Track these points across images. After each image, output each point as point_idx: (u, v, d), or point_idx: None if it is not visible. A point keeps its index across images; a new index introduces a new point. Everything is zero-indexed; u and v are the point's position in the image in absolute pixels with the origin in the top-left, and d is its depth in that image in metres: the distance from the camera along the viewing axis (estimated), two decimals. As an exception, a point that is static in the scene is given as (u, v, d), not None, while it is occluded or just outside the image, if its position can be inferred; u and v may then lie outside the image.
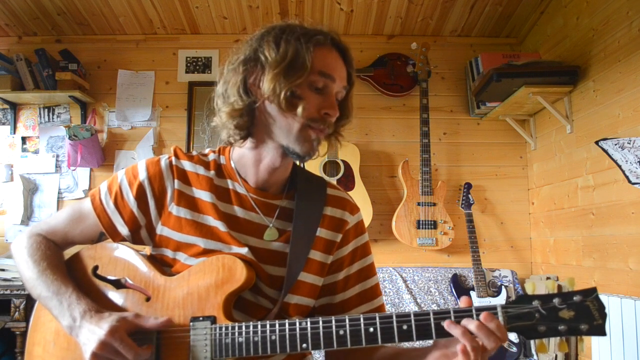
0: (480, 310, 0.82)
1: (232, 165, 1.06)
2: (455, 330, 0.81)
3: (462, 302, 0.86)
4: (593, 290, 0.79)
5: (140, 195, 1.02)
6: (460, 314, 0.83)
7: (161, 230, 1.02)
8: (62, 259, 1.05)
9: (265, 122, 0.99)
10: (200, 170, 1.05)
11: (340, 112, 1.02)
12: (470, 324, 0.81)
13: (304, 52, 0.94)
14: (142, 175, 1.02)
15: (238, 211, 1.03)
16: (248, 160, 1.04)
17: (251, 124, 1.00)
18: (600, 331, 0.78)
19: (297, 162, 1.05)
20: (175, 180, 1.03)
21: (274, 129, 0.99)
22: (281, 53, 0.94)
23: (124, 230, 1.03)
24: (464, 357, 0.80)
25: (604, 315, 0.78)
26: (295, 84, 0.94)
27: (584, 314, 0.78)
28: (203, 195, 1.02)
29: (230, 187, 1.05)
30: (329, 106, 0.97)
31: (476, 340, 0.80)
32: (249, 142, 1.03)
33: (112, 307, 0.97)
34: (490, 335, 0.79)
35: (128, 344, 0.87)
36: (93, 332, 0.88)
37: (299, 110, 0.94)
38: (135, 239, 1.04)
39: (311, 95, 0.96)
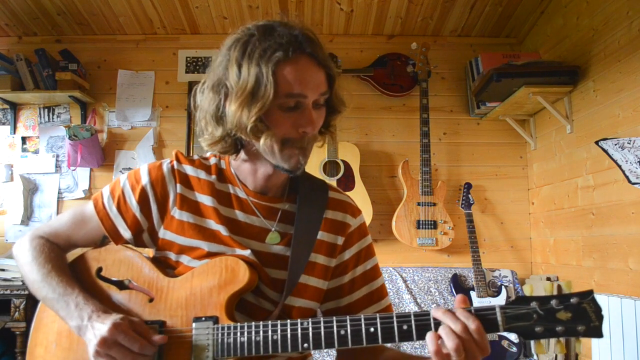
0: (479, 310, 0.82)
1: (232, 170, 1.07)
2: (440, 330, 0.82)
3: (457, 301, 0.86)
4: (589, 293, 0.80)
5: (143, 200, 1.02)
6: None
7: (164, 234, 1.02)
8: (66, 261, 1.06)
9: (249, 143, 0.98)
10: (202, 174, 1.05)
11: (328, 108, 1.00)
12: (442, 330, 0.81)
13: (265, 79, 0.88)
14: (145, 180, 1.03)
15: (239, 215, 1.03)
16: (245, 169, 1.05)
17: (237, 142, 0.99)
18: (597, 333, 0.78)
19: (290, 175, 1.03)
20: (178, 185, 1.03)
21: (259, 151, 0.98)
22: (242, 82, 0.89)
23: (126, 234, 1.03)
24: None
25: (600, 317, 0.79)
26: (260, 113, 0.89)
27: (581, 315, 0.79)
28: (205, 199, 1.02)
29: (231, 191, 1.05)
30: (305, 123, 0.93)
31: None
32: (242, 155, 1.03)
33: (116, 308, 0.98)
34: (450, 334, 0.80)
35: (132, 337, 0.88)
36: (97, 328, 0.89)
37: (267, 138, 0.91)
38: (137, 242, 1.05)
39: (283, 116, 0.92)
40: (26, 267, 1.02)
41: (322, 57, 0.94)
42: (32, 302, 2.48)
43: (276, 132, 0.92)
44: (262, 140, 0.92)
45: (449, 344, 0.79)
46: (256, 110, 0.89)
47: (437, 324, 0.83)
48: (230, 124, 0.93)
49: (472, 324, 0.80)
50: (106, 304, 0.97)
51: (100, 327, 0.88)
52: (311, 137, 0.97)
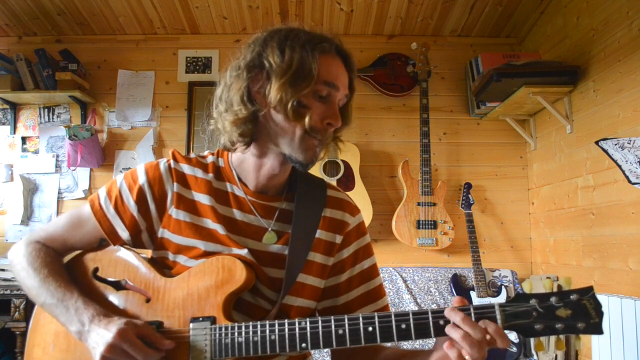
0: (478, 308, 0.81)
1: (232, 168, 1.06)
2: (454, 334, 0.81)
3: (455, 302, 0.85)
4: (589, 289, 0.79)
5: (141, 199, 1.01)
6: None
7: (162, 233, 1.02)
8: (63, 265, 1.05)
9: (269, 129, 0.99)
10: (199, 173, 1.05)
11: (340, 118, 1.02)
12: (456, 333, 0.81)
13: (310, 61, 0.93)
14: (142, 179, 1.02)
15: (237, 214, 1.03)
16: (249, 166, 1.04)
17: (255, 130, 0.99)
18: (597, 329, 0.78)
19: (300, 169, 1.03)
20: (175, 184, 1.02)
21: (278, 137, 0.98)
22: (287, 61, 0.93)
23: (124, 234, 1.02)
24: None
25: (600, 314, 0.78)
26: (302, 93, 0.93)
27: (580, 312, 0.78)
28: (202, 198, 1.02)
29: (229, 190, 1.05)
30: (332, 116, 0.97)
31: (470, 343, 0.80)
32: (251, 149, 1.02)
33: (113, 309, 0.97)
34: (473, 343, 0.79)
35: (138, 346, 0.87)
36: (102, 335, 0.88)
37: (307, 120, 0.94)
38: (136, 242, 1.04)
39: (315, 104, 0.96)
40: (22, 274, 1.02)
41: (352, 65, 1.02)
42: (32, 302, 2.47)
43: (311, 116, 0.95)
44: (307, 119, 0.94)
45: (469, 350, 0.79)
46: (300, 89, 0.93)
47: (436, 322, 0.82)
48: (272, 99, 0.93)
49: (491, 328, 0.80)
50: (104, 305, 0.96)
51: (104, 333, 0.88)
52: (330, 133, 0.99)
